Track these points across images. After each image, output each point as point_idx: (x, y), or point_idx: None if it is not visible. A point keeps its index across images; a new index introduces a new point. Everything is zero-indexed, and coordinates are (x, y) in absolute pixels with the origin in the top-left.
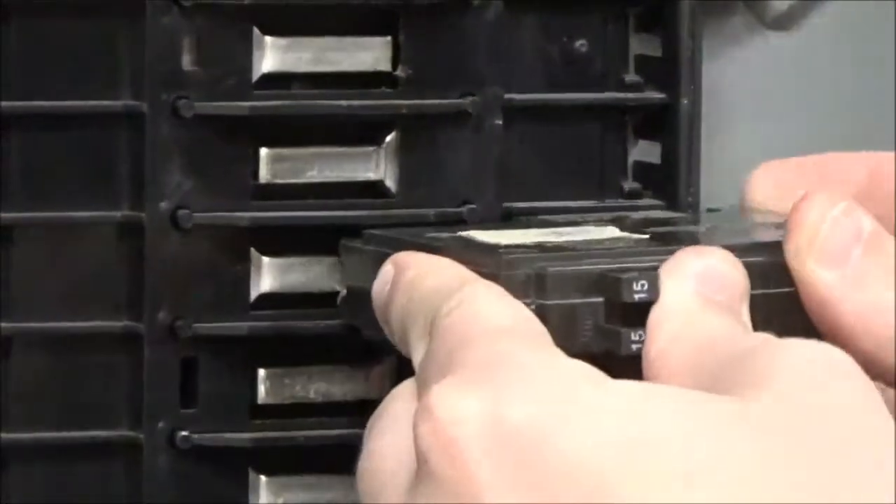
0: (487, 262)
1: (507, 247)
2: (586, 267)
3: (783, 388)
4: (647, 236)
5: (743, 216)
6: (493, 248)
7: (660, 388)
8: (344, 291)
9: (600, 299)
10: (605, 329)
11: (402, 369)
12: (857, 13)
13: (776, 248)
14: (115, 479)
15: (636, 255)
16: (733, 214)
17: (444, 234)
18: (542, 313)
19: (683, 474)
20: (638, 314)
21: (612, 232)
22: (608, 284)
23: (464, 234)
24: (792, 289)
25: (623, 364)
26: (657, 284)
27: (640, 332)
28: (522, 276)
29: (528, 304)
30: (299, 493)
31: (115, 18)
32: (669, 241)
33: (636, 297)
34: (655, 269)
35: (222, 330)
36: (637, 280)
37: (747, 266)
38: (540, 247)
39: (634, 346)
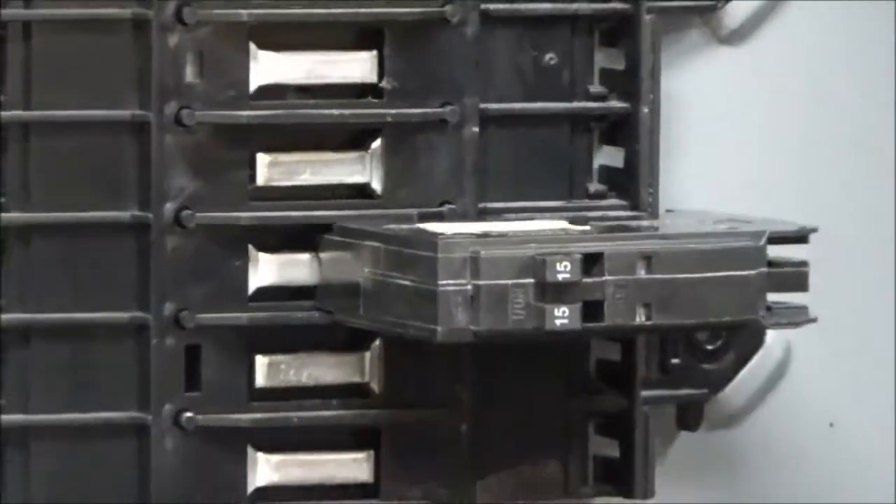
0: (427, 247)
1: (450, 235)
2: (517, 251)
3: None
4: (588, 227)
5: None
6: (435, 236)
7: None
8: (320, 281)
9: (530, 280)
10: (532, 307)
11: (388, 355)
12: (806, 29)
13: (720, 236)
14: (126, 457)
15: (568, 241)
16: (689, 215)
17: (402, 226)
18: (476, 294)
19: None
20: (561, 293)
21: (559, 224)
22: (535, 266)
23: (422, 225)
24: (732, 273)
25: (550, 340)
26: (579, 265)
27: (564, 308)
28: (459, 259)
29: (463, 286)
30: (295, 470)
31: (125, 35)
32: (608, 231)
33: (559, 276)
34: (580, 253)
35: (223, 320)
36: (560, 261)
37: (692, 253)
38: (481, 234)
39: (558, 322)
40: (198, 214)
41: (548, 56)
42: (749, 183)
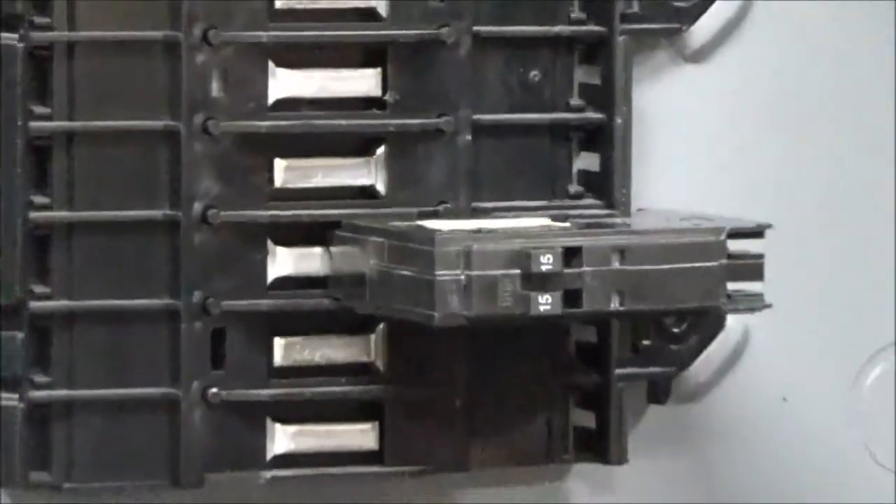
0: (426, 242)
1: (446, 231)
2: (506, 245)
3: None
4: (568, 224)
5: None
6: (433, 232)
7: None
8: (331, 272)
9: (517, 271)
10: (519, 295)
11: (392, 337)
12: (761, 49)
13: (685, 232)
14: (159, 428)
15: (551, 236)
16: (658, 213)
17: (405, 223)
18: (468, 283)
19: None
20: (544, 282)
21: (543, 221)
22: (521, 258)
23: (421, 223)
24: (696, 264)
25: (535, 324)
26: (560, 257)
27: (547, 296)
28: (453, 253)
29: (457, 276)
30: (309, 439)
31: (158, 55)
32: (586, 227)
33: (542, 267)
34: (562, 246)
35: (245, 307)
36: (544, 254)
37: (660, 247)
38: (474, 231)
39: (542, 308)
40: (222, 213)
41: (532, 73)
42: (711, 184)
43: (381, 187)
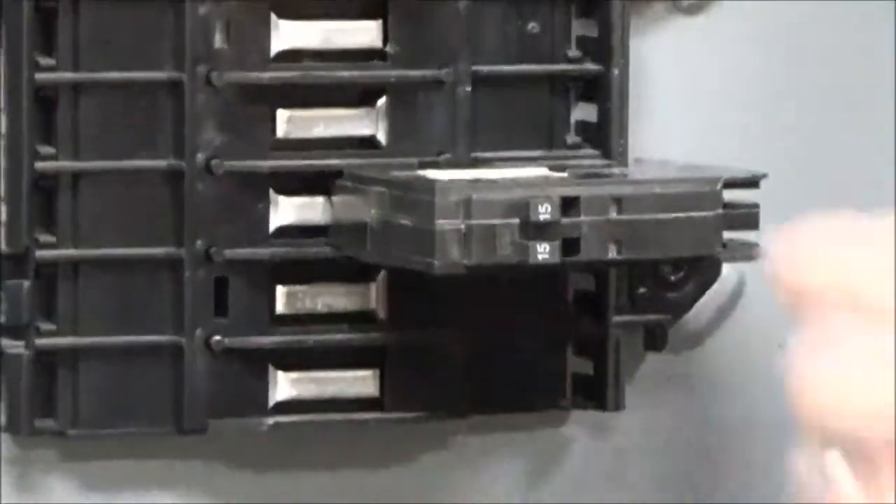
0: (426, 191)
1: (446, 180)
2: (505, 194)
3: None
4: (566, 174)
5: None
6: (432, 181)
7: None
8: (332, 221)
9: (516, 220)
10: (517, 244)
11: (392, 285)
12: (757, 3)
13: (681, 182)
14: (163, 375)
15: (549, 186)
16: (654, 163)
17: (405, 173)
18: (468, 232)
19: None
20: (543, 231)
21: (541, 171)
22: (520, 207)
23: (422, 172)
24: (692, 213)
25: (532, 273)
26: (558, 207)
27: (546, 245)
28: (453, 202)
29: (457, 225)
30: (311, 386)
31: (162, 6)
32: (584, 177)
33: (541, 217)
34: (560, 196)
35: (248, 255)
36: (542, 203)
37: (657, 196)
38: (473, 180)
39: (540, 257)
40: (225, 163)
41: (531, 25)
42: (707, 135)
43: (382, 137)
